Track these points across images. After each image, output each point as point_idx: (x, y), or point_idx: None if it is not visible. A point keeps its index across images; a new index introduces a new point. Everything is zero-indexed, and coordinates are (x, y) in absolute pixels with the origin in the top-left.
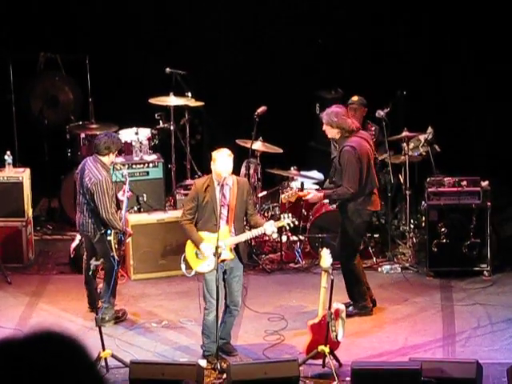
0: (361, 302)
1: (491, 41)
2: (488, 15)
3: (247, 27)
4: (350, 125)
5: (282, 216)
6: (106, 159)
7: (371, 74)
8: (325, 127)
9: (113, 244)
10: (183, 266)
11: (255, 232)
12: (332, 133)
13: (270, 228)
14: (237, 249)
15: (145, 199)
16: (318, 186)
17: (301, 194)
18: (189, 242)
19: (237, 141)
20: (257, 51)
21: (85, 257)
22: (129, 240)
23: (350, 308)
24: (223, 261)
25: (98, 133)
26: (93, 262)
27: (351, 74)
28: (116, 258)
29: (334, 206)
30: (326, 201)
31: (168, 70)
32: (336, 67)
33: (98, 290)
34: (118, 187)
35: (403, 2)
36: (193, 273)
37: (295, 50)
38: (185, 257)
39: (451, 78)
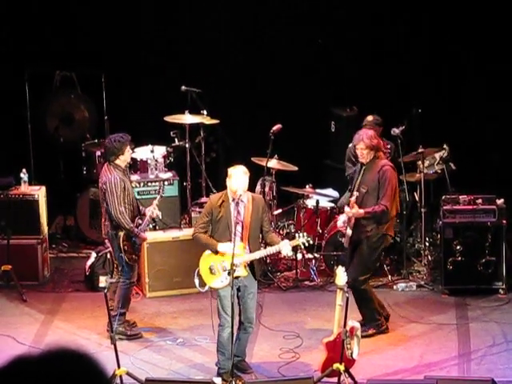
0: (376, 320)
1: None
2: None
3: (258, 36)
4: (382, 145)
5: (296, 235)
6: (118, 161)
7: (387, 92)
8: (364, 152)
9: (121, 245)
10: (197, 282)
11: (270, 250)
12: (369, 156)
13: (285, 247)
14: (251, 266)
15: (160, 217)
16: (333, 204)
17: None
18: (202, 257)
19: (252, 159)
20: (273, 68)
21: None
22: (144, 251)
23: (367, 328)
24: (237, 277)
25: None
26: (108, 280)
27: (366, 91)
28: (125, 259)
29: (350, 231)
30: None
31: (183, 88)
32: (350, 84)
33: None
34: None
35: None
36: (206, 288)
37: (309, 65)
38: (198, 272)
39: (466, 93)
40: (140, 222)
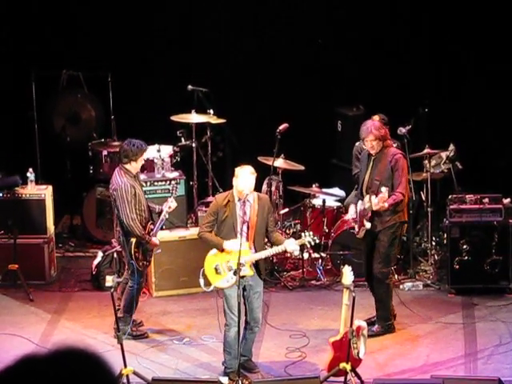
0: (388, 320)
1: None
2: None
3: (265, 42)
4: (388, 133)
5: (302, 234)
6: (129, 166)
7: (393, 91)
8: (373, 143)
9: (132, 252)
10: (202, 282)
11: (276, 249)
12: (379, 146)
13: (290, 246)
14: (256, 265)
15: (167, 216)
16: (339, 204)
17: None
18: (208, 257)
19: (259, 158)
20: (280, 67)
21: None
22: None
23: (376, 327)
24: (243, 277)
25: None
26: (114, 279)
27: (373, 90)
28: (135, 266)
29: (369, 225)
30: (349, 216)
31: (190, 87)
32: (357, 84)
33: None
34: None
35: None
36: (211, 288)
37: (315, 66)
38: (203, 272)
39: (472, 93)
40: (152, 227)
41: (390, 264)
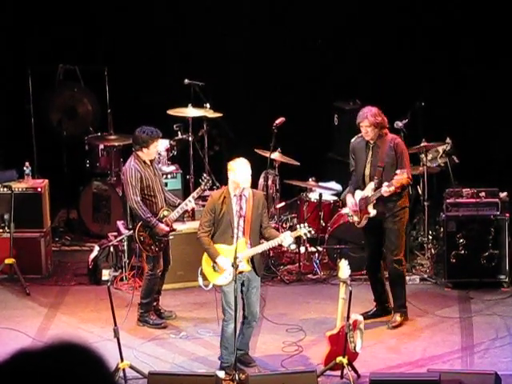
0: (404, 307)
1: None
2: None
3: (262, 36)
4: (386, 121)
5: (298, 226)
6: (141, 153)
7: (389, 85)
8: (368, 129)
9: (137, 234)
10: (200, 280)
11: (272, 243)
12: (374, 133)
13: (286, 239)
14: (252, 261)
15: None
16: (336, 198)
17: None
18: (206, 255)
19: (255, 150)
20: (275, 63)
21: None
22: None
23: (397, 317)
24: (241, 272)
25: (116, 144)
26: (111, 273)
27: (370, 84)
28: (141, 249)
29: (374, 212)
30: (345, 211)
31: (186, 81)
32: (354, 77)
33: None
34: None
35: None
36: (210, 286)
37: (311, 59)
38: (202, 270)
39: (469, 87)
40: (165, 213)
41: (401, 250)
